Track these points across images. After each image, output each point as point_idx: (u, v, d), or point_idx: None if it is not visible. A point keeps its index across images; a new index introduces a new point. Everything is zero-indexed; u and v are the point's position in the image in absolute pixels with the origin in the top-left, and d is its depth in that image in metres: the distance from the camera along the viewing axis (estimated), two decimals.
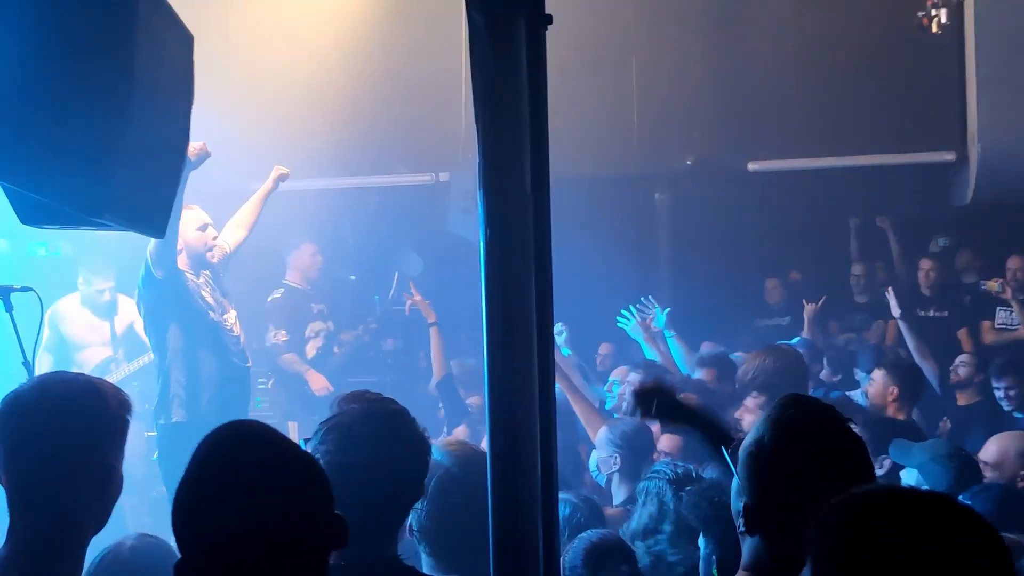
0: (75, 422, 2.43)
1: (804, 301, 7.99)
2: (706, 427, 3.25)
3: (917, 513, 1.74)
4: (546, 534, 2.31)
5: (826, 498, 1.98)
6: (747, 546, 2.40)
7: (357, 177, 9.21)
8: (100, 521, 2.50)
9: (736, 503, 2.41)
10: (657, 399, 3.35)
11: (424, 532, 3.02)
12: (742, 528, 2.37)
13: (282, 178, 7.10)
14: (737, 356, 7.27)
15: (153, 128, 2.99)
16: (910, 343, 7.34)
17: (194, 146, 6.01)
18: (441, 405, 6.65)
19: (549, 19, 2.31)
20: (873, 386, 6.24)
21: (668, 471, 4.02)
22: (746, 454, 2.37)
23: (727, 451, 2.47)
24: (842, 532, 1.76)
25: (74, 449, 2.42)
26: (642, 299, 7.23)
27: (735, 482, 2.43)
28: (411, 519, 2.98)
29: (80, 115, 2.67)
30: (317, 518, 1.92)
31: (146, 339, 6.79)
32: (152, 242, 6.17)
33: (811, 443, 2.32)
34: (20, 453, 2.42)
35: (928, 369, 7.12)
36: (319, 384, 8.00)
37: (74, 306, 8.05)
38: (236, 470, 1.90)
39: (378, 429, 2.63)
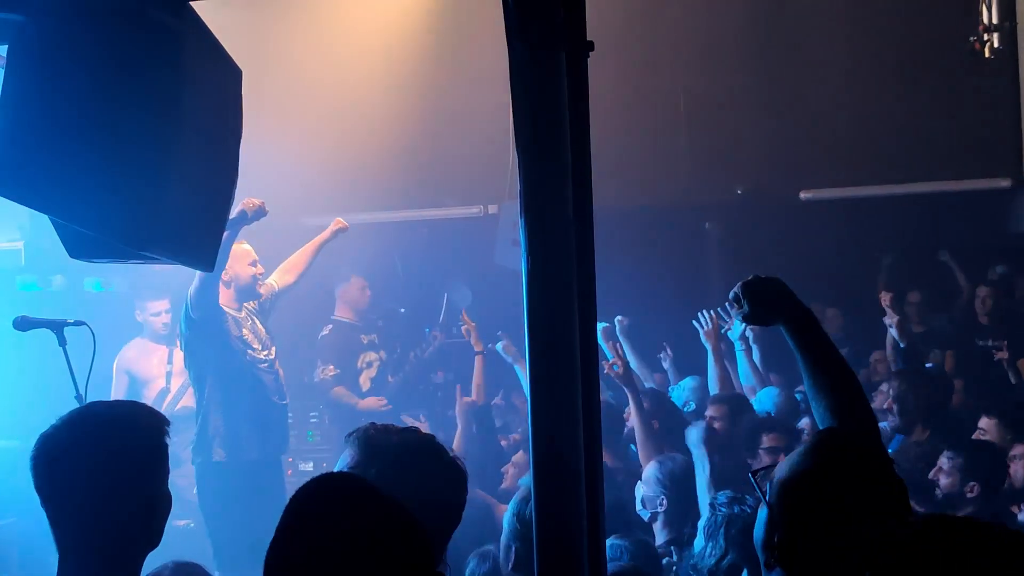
0: (111, 454, 2.42)
1: None
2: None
3: (972, 544, 1.71)
4: (592, 565, 2.28)
5: (860, 536, 2.00)
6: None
7: (406, 210, 9.27)
8: (152, 541, 2.49)
9: (760, 533, 2.35)
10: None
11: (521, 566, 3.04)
12: (769, 560, 2.30)
13: (341, 231, 7.17)
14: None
15: (201, 162, 3.02)
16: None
17: (253, 202, 6.28)
18: (460, 430, 6.60)
19: (591, 46, 2.30)
20: (946, 477, 5.44)
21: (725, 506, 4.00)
22: (782, 486, 2.31)
23: (753, 478, 2.42)
24: (894, 562, 1.72)
25: (109, 480, 2.40)
26: (718, 308, 7.09)
27: (762, 512, 2.37)
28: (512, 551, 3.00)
29: (128, 150, 2.70)
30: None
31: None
32: (193, 283, 6.36)
33: (850, 480, 2.26)
34: (58, 493, 2.42)
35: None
36: (374, 406, 7.99)
37: (137, 344, 8.17)
38: (335, 531, 1.83)
39: (414, 457, 2.59)
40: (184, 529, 7.65)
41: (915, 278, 9.30)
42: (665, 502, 5.03)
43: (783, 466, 2.37)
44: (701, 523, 4.13)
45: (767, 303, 2.91)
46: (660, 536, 5.00)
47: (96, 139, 2.65)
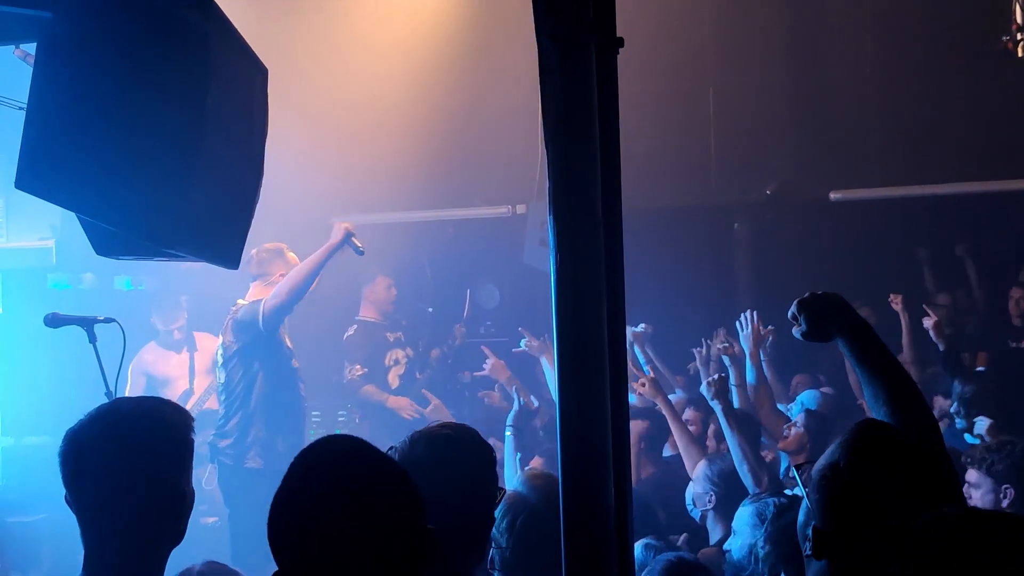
0: (138, 449, 2.44)
1: None
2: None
3: (1002, 537, 1.70)
4: (621, 566, 2.26)
5: (900, 525, 1.97)
6: (811, 571, 2.34)
7: (434, 210, 9.27)
8: (176, 538, 2.52)
9: (800, 524, 2.38)
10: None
11: (507, 568, 2.99)
12: (808, 552, 2.31)
13: (349, 234, 6.81)
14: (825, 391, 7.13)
15: (227, 160, 3.02)
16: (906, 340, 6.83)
17: (343, 226, 6.70)
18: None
19: (620, 42, 2.28)
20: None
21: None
22: (819, 477, 2.32)
23: (797, 471, 2.42)
24: (934, 552, 1.72)
25: (142, 476, 2.43)
26: (753, 313, 6.98)
27: (803, 504, 2.37)
28: (492, 553, 2.96)
29: (154, 148, 2.71)
30: (409, 532, 1.93)
31: (219, 379, 6.93)
32: (276, 298, 6.55)
33: (887, 468, 2.26)
34: (85, 487, 2.43)
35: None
36: (402, 405, 8.03)
37: (152, 348, 8.25)
38: (330, 482, 1.91)
39: (442, 446, 2.64)
40: (212, 526, 7.73)
41: (945, 279, 9.22)
42: (714, 499, 5.14)
43: (821, 458, 2.37)
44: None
45: (825, 319, 2.91)
46: (713, 534, 5.10)
47: (123, 137, 2.66)
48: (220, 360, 6.82)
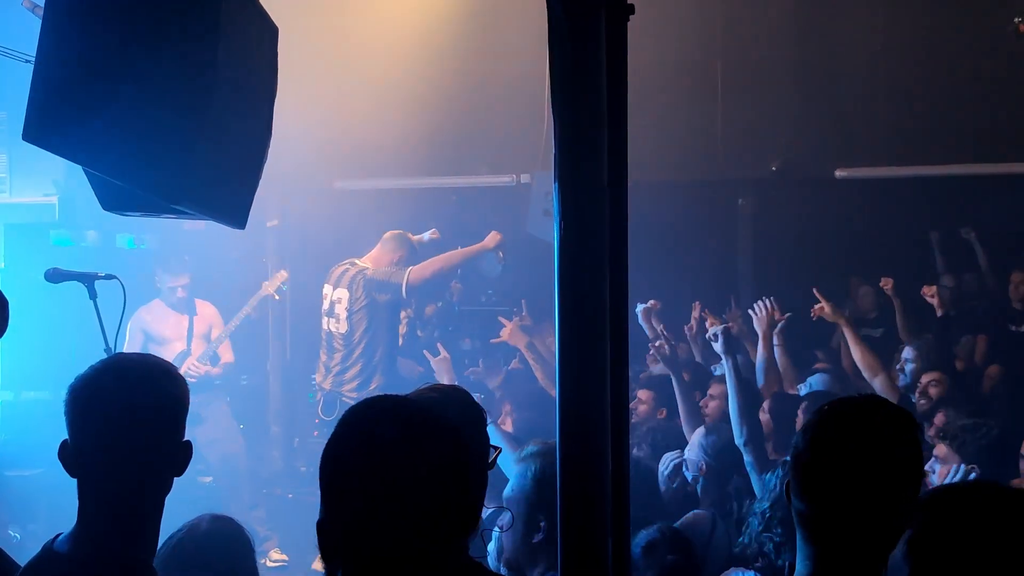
0: (147, 402, 2.45)
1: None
2: None
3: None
4: (616, 537, 2.27)
5: (869, 502, 2.12)
6: (799, 551, 2.36)
7: (438, 177, 9.26)
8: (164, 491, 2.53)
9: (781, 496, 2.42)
10: None
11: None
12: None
13: (499, 244, 7.80)
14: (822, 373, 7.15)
15: (235, 119, 3.01)
16: (856, 354, 6.73)
17: (497, 236, 7.64)
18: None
19: (631, 9, 2.27)
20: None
21: None
22: (790, 459, 2.36)
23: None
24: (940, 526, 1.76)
25: (146, 428, 2.44)
26: (771, 298, 6.96)
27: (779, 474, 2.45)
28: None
29: (164, 103, 2.69)
30: (452, 500, 1.91)
31: (337, 328, 7.61)
32: (419, 270, 7.46)
33: (842, 450, 2.26)
34: (93, 432, 2.44)
35: (878, 386, 6.47)
36: (406, 367, 8.11)
37: (155, 307, 8.25)
38: (377, 440, 1.90)
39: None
40: (207, 485, 7.80)
41: (950, 261, 9.22)
42: (705, 467, 5.30)
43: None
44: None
45: None
46: (704, 500, 5.26)
47: (131, 91, 2.65)
48: (344, 312, 7.56)
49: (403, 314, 8.43)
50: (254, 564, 3.32)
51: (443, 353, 7.06)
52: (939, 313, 7.03)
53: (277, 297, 8.36)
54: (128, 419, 2.43)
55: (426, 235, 7.98)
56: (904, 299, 7.89)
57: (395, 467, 1.87)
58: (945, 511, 1.81)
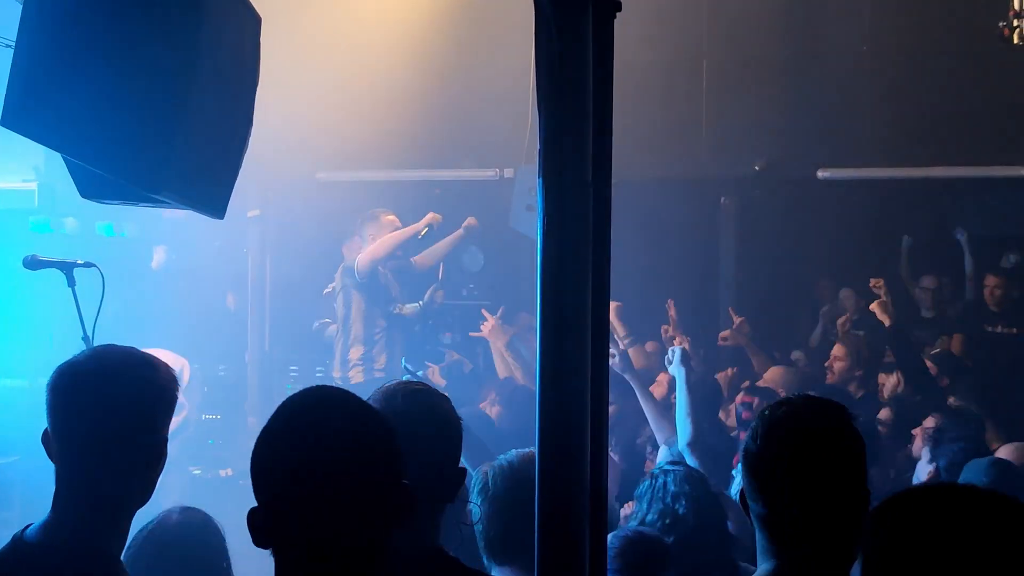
0: (130, 392, 2.43)
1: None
2: None
3: (970, 509, 1.81)
4: (593, 533, 2.26)
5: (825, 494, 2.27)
6: (761, 552, 2.45)
7: (421, 170, 9.23)
8: (146, 494, 2.51)
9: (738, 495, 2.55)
10: None
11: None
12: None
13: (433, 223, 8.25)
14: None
15: (216, 108, 2.99)
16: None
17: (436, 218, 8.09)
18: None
19: (618, 6, 2.26)
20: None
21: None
22: (743, 455, 2.47)
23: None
24: (892, 529, 1.83)
25: (127, 419, 2.42)
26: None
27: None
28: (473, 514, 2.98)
29: (143, 91, 2.68)
30: (385, 486, 1.93)
31: None
32: (364, 254, 7.87)
33: (788, 448, 2.37)
34: (74, 421, 2.41)
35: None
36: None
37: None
38: (313, 429, 1.92)
39: (421, 398, 2.65)
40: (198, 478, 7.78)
41: (930, 263, 9.25)
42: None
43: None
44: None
45: None
46: None
47: (113, 78, 2.63)
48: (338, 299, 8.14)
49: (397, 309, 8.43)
50: (226, 556, 3.29)
51: (490, 320, 7.02)
52: (885, 323, 7.08)
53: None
54: (106, 408, 2.40)
55: (422, 224, 8.20)
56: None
57: (330, 457, 1.89)
58: (897, 511, 1.85)
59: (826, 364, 7.19)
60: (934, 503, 1.84)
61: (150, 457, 2.48)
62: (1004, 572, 1.74)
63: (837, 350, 7.16)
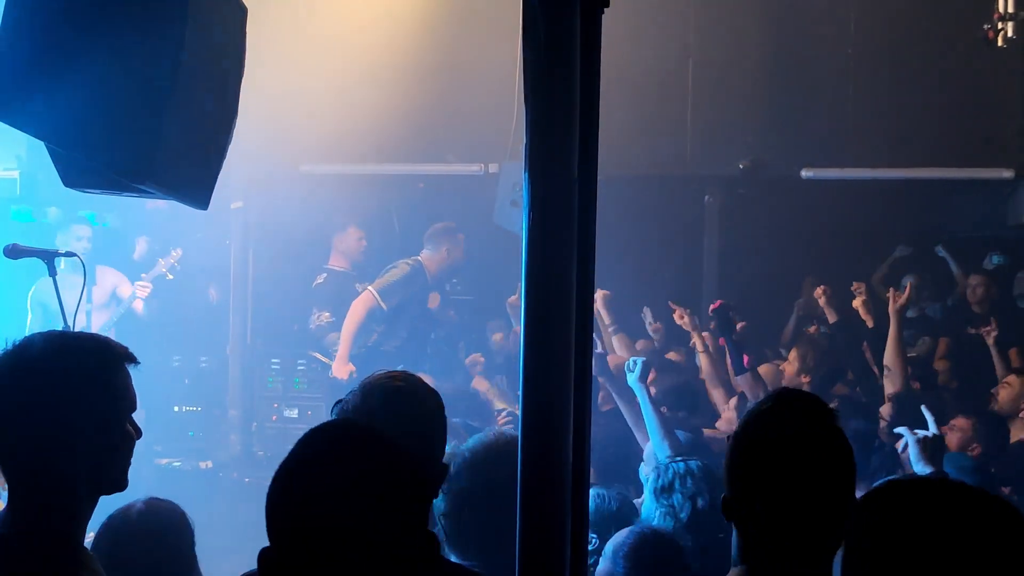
0: (69, 367, 2.31)
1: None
2: None
3: (953, 504, 1.82)
4: (575, 528, 2.26)
5: (798, 495, 2.24)
6: (734, 540, 2.43)
7: (406, 164, 9.20)
8: (101, 476, 2.38)
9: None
10: None
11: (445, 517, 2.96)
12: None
13: None
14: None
15: (201, 99, 2.98)
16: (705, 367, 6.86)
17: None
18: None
19: (605, 2, 2.26)
20: None
21: None
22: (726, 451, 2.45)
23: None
24: (877, 522, 1.80)
25: (50, 408, 2.29)
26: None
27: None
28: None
29: (129, 81, 2.66)
30: (409, 532, 1.82)
31: None
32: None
33: (773, 436, 2.35)
34: (14, 404, 2.31)
35: (718, 398, 6.62)
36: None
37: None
38: (335, 471, 1.80)
39: (382, 405, 2.62)
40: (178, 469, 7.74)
41: (913, 264, 9.29)
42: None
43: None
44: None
45: None
46: None
47: (96, 67, 2.62)
48: None
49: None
50: (191, 547, 3.23)
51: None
52: (868, 323, 7.12)
53: (170, 276, 8.22)
54: (25, 411, 2.28)
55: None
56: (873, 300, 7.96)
57: (348, 510, 1.77)
58: (880, 503, 1.87)
59: (780, 367, 7.19)
60: (917, 495, 1.86)
61: (104, 442, 2.34)
62: (986, 563, 1.76)
63: (791, 353, 7.18)
